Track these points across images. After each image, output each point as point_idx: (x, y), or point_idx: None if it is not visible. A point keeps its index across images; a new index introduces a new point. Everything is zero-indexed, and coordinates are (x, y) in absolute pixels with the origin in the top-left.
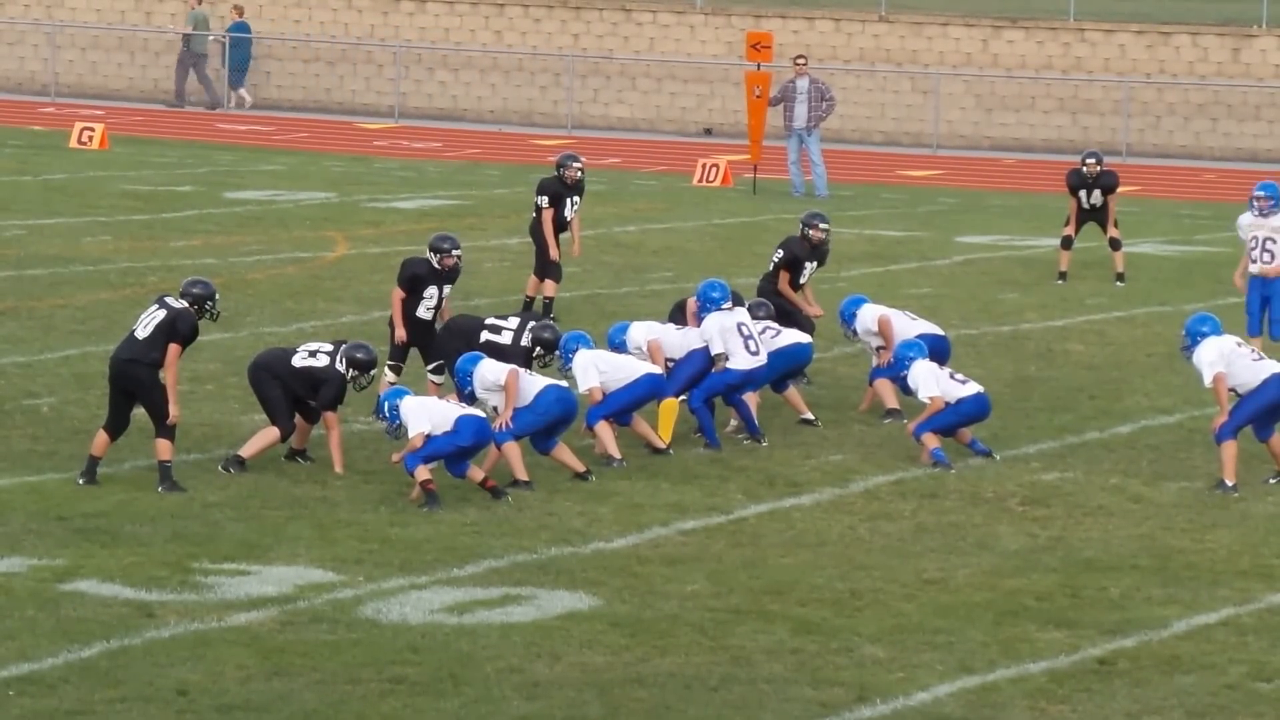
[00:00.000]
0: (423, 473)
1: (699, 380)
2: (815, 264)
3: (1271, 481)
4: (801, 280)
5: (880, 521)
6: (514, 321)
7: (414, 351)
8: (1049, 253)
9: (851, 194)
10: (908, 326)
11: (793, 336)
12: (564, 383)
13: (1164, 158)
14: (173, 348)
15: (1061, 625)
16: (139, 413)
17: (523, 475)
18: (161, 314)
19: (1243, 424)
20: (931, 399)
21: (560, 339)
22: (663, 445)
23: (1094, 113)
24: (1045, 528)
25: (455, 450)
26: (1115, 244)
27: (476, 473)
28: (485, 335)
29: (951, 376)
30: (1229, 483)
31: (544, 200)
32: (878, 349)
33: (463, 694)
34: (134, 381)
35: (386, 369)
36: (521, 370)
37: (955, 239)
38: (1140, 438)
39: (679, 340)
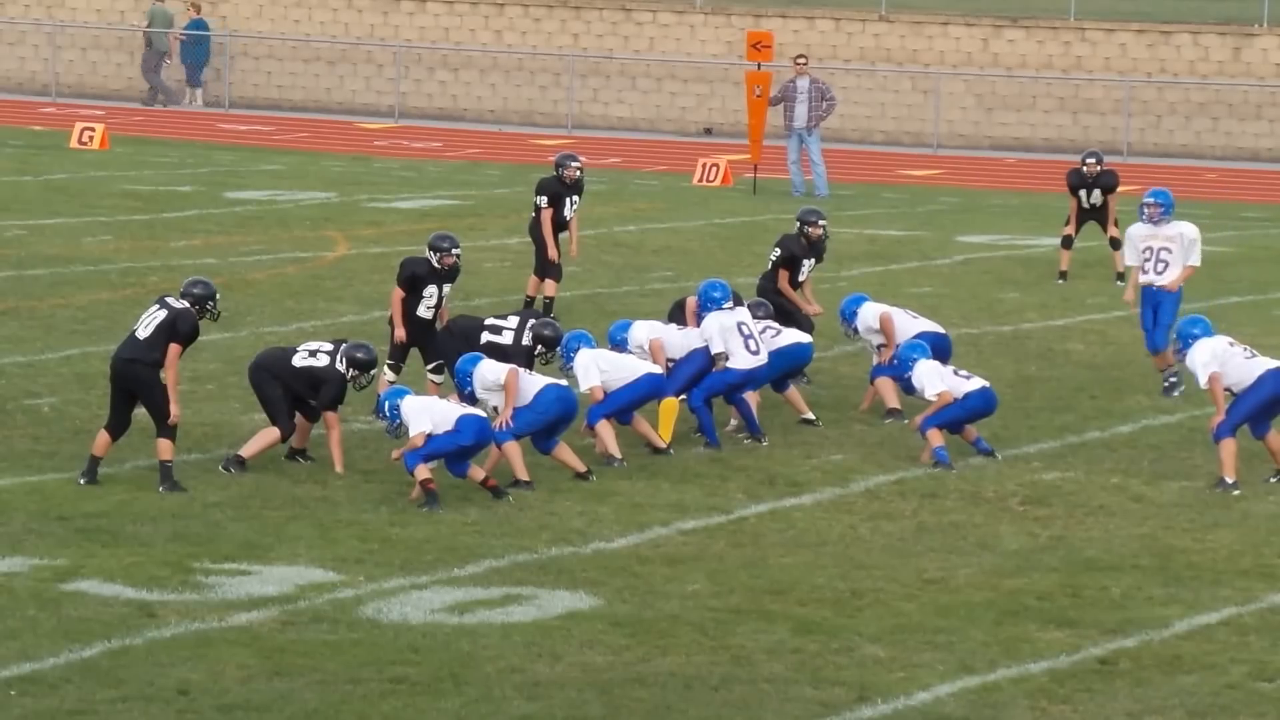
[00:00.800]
0: (423, 472)
1: (699, 379)
2: (814, 261)
3: (1272, 480)
4: (800, 278)
5: (881, 521)
6: (514, 321)
7: (414, 351)
8: (1050, 252)
9: (852, 194)
10: (909, 324)
11: (793, 336)
12: (564, 382)
13: (1165, 157)
14: (173, 348)
15: (1063, 625)
16: (140, 413)
17: (523, 475)
18: (162, 314)
19: (1240, 422)
20: (939, 395)
21: (561, 337)
22: (663, 445)
23: (1095, 112)
24: (1046, 527)
25: (456, 449)
26: (1115, 244)
27: (477, 472)
28: (486, 336)
29: (955, 373)
30: (1229, 480)
31: (543, 200)
32: (879, 347)
33: (464, 694)
34: (135, 381)
35: (386, 368)
36: (521, 369)
37: (956, 238)
38: (1141, 437)
39: (680, 340)
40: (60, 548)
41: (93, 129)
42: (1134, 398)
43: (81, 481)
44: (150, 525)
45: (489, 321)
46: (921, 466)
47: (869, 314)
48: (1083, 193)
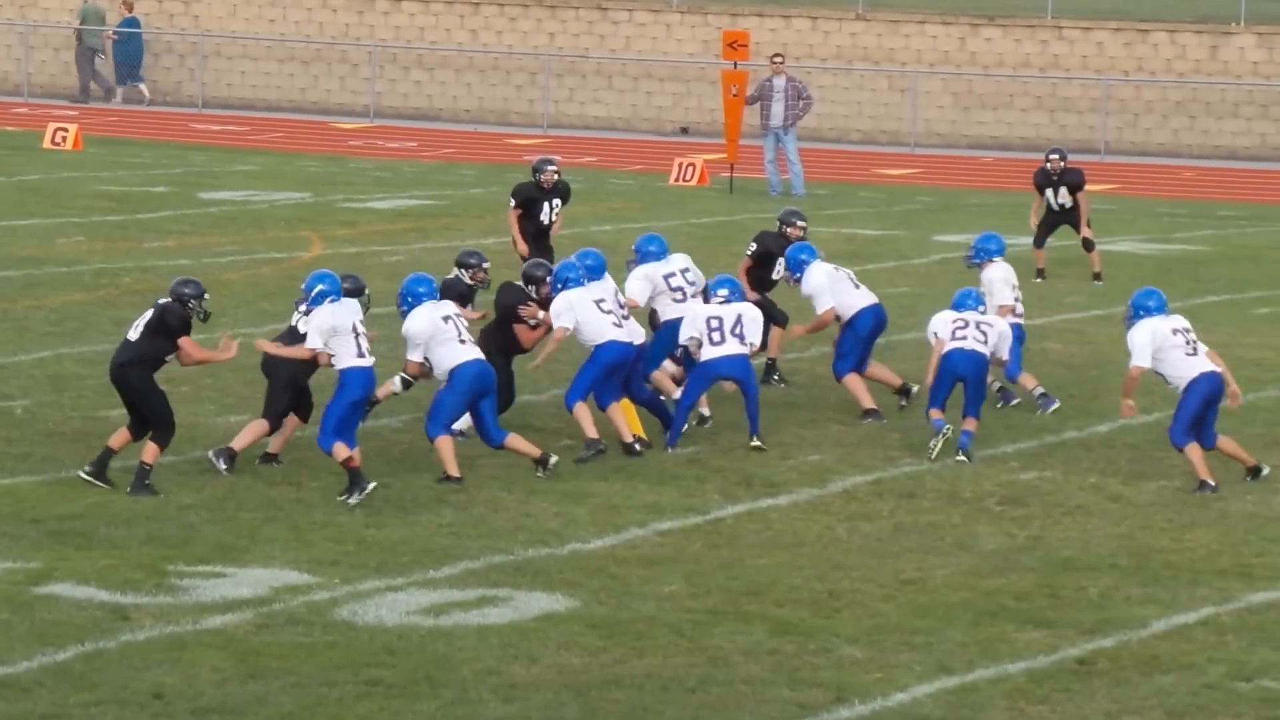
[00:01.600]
0: (341, 451)
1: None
2: None
3: (1248, 480)
4: (774, 276)
5: (858, 521)
6: None
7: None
8: (1026, 251)
9: (828, 193)
10: (852, 296)
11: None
12: (481, 355)
13: (1142, 156)
14: (180, 343)
15: (1040, 625)
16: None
17: (454, 471)
18: (150, 313)
19: (1187, 424)
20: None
21: (552, 272)
22: (630, 439)
23: (1071, 111)
24: (1023, 527)
25: (349, 407)
26: (1089, 245)
27: (341, 450)
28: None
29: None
30: (1210, 483)
31: (512, 202)
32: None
33: (439, 696)
34: (126, 385)
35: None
36: (443, 333)
37: (933, 238)
38: (1119, 437)
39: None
40: (33, 550)
41: (66, 129)
42: (1111, 397)
43: (85, 470)
44: (124, 528)
45: None
46: (899, 466)
47: (812, 281)
48: (1049, 192)
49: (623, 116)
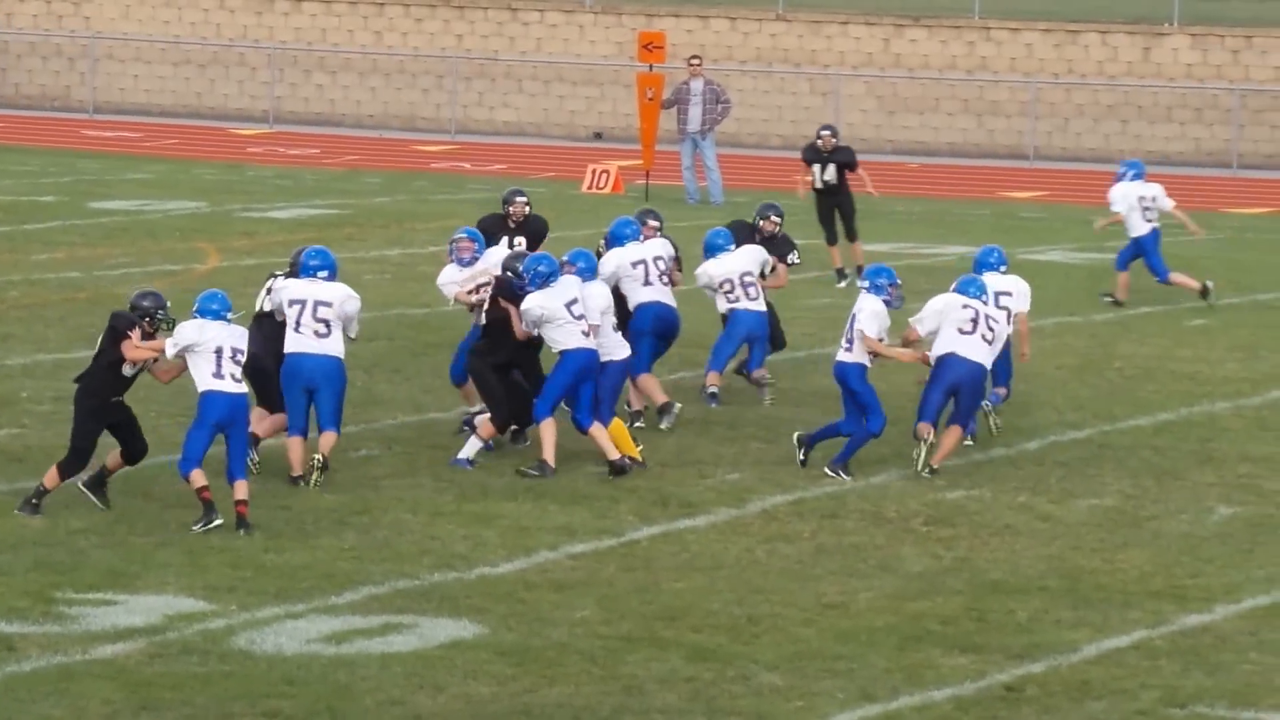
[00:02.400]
0: (198, 479)
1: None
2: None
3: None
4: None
5: (778, 543)
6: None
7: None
8: (954, 261)
9: (748, 201)
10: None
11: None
12: (322, 349)
13: (1073, 161)
14: (122, 346)
15: (967, 650)
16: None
17: (298, 470)
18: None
19: (939, 407)
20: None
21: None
22: (616, 456)
23: (1000, 114)
24: (950, 548)
25: (207, 432)
26: (852, 235)
27: (198, 477)
28: None
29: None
30: (936, 467)
31: None
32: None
33: None
34: (75, 406)
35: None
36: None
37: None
38: (1049, 454)
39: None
40: None
41: None
42: (1041, 413)
43: (81, 482)
44: (10, 553)
45: None
46: (820, 486)
47: (715, 272)
48: (817, 168)
49: (534, 121)
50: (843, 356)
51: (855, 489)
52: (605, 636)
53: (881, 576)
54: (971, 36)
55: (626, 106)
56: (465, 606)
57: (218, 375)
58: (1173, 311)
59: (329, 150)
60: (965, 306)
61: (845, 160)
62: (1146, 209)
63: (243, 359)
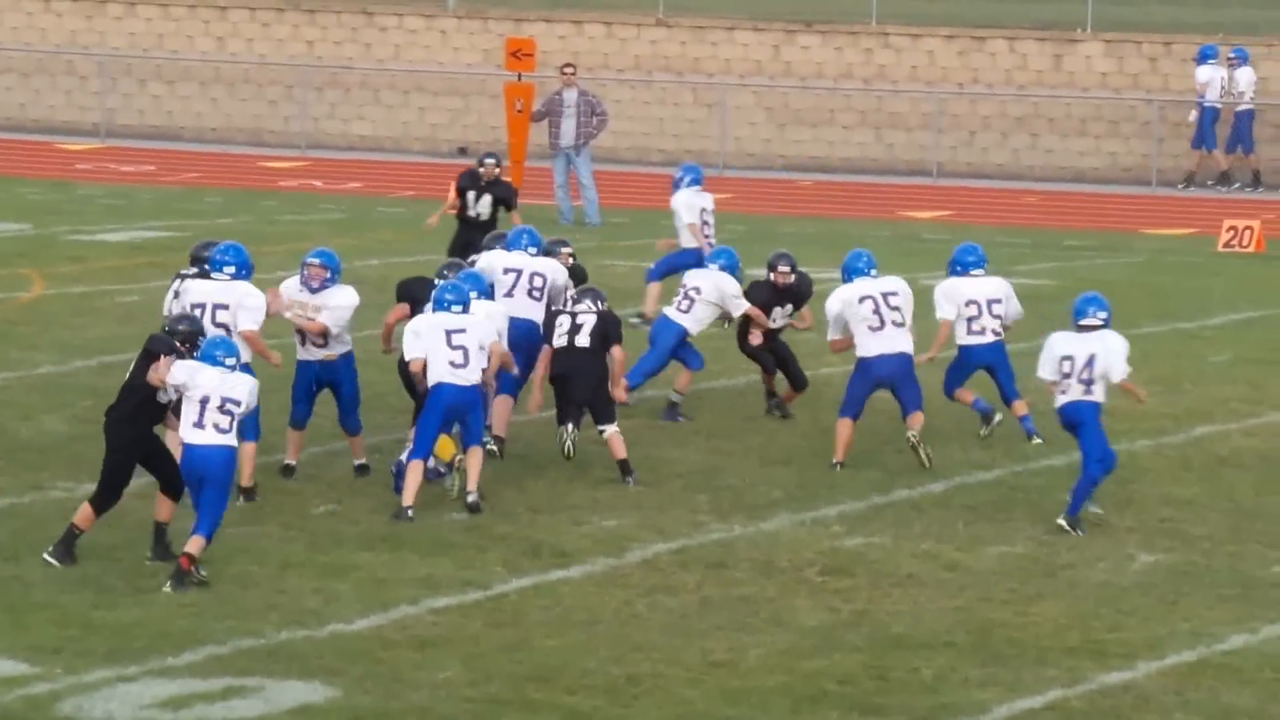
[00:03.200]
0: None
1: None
2: (790, 307)
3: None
4: (774, 324)
5: (660, 596)
6: None
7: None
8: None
9: (626, 221)
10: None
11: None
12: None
13: (979, 178)
14: (152, 365)
15: (867, 712)
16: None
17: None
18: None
19: (859, 401)
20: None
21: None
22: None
23: (900, 128)
24: (848, 600)
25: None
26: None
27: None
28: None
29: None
30: (836, 459)
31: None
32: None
33: None
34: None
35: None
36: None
37: (746, 271)
38: (955, 497)
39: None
40: None
41: None
42: (946, 450)
43: (150, 556)
44: None
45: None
46: (706, 533)
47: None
48: (471, 195)
49: (392, 135)
50: (1079, 397)
51: (743, 535)
52: (471, 699)
53: (773, 631)
54: (869, 43)
55: (493, 119)
56: (316, 667)
57: (198, 425)
58: None
59: (166, 167)
60: (862, 300)
61: (503, 195)
62: (705, 222)
63: (236, 409)
